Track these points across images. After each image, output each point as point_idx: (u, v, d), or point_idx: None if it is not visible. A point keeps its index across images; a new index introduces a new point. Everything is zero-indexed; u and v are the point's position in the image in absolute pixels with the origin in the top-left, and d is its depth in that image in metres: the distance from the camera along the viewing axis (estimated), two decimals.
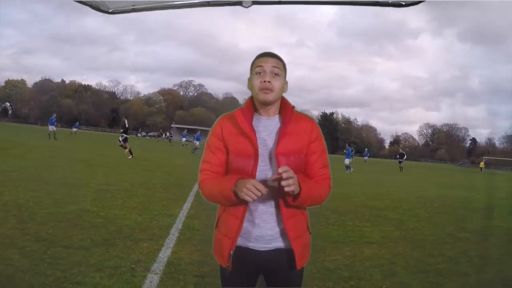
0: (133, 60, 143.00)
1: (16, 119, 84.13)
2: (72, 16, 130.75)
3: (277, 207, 1.85)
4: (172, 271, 3.87)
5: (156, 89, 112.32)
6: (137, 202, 7.21)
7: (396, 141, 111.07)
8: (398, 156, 34.48)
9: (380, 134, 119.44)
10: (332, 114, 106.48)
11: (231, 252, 1.85)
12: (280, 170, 1.69)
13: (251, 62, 1.91)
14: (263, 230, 1.85)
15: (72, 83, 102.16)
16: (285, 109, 1.92)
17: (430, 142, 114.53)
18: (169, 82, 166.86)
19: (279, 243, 1.88)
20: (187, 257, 4.31)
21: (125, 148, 18.17)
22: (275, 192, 1.80)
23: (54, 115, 30.26)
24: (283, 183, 1.67)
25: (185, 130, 42.82)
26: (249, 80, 1.92)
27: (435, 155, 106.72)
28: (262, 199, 1.79)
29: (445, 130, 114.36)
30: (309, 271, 4.14)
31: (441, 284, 4.17)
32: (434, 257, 5.17)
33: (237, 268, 1.88)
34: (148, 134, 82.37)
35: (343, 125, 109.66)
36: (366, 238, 5.95)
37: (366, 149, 48.05)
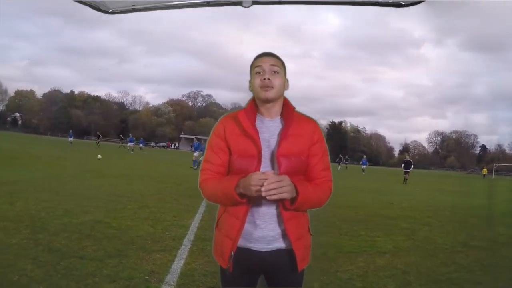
0: (141, 72, 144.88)
1: (26, 129, 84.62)
2: (81, 29, 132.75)
3: (278, 208, 1.84)
4: (186, 282, 3.86)
5: (164, 100, 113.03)
6: (148, 212, 7.22)
7: (405, 149, 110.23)
8: (403, 165, 26.00)
9: (389, 143, 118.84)
10: (340, 123, 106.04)
11: (232, 253, 1.85)
12: (268, 180, 1.66)
13: None
14: (265, 231, 1.85)
15: (81, 94, 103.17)
16: (287, 110, 1.93)
17: (440, 150, 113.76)
18: (177, 92, 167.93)
19: (280, 244, 1.87)
20: (200, 268, 4.30)
21: None
22: None
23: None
24: (263, 193, 1.65)
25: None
26: (250, 82, 1.94)
27: (445, 162, 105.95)
28: (263, 200, 1.78)
29: (454, 137, 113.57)
30: (322, 282, 4.13)
31: None
32: (447, 266, 5.11)
33: (238, 269, 1.88)
34: (158, 144, 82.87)
35: (351, 134, 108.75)
36: (379, 248, 5.90)
37: (364, 156, 43.79)
